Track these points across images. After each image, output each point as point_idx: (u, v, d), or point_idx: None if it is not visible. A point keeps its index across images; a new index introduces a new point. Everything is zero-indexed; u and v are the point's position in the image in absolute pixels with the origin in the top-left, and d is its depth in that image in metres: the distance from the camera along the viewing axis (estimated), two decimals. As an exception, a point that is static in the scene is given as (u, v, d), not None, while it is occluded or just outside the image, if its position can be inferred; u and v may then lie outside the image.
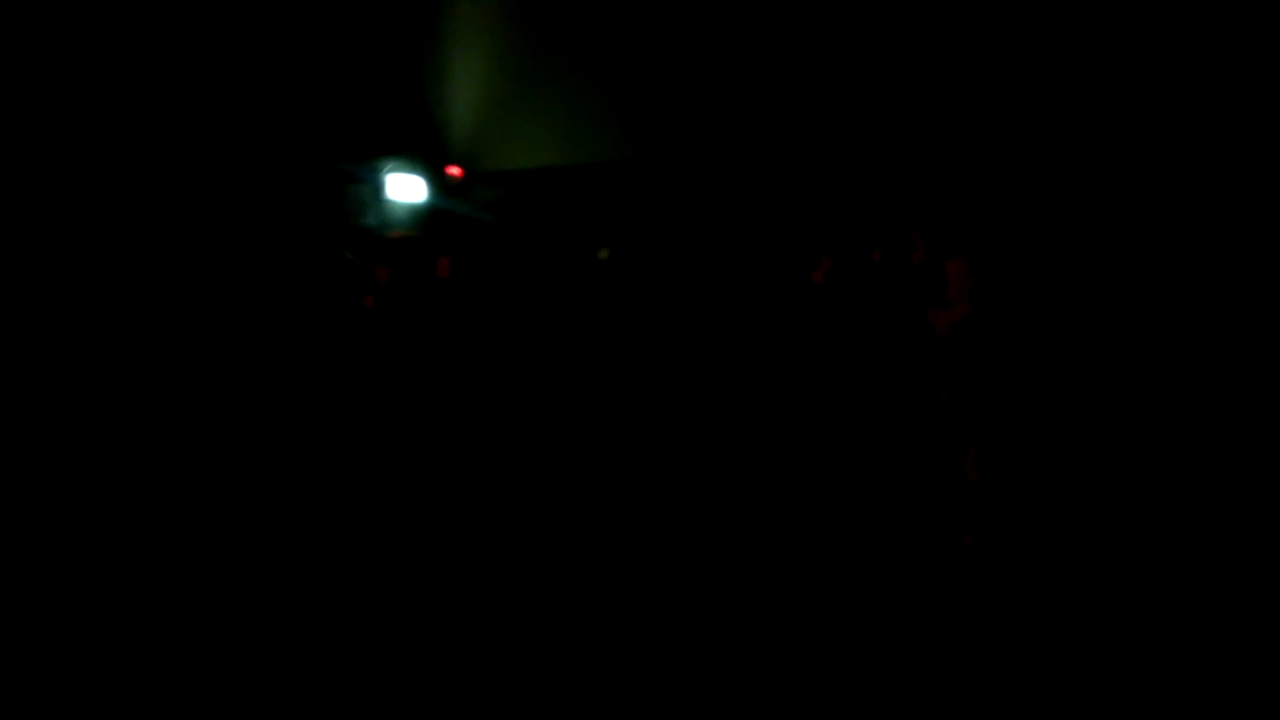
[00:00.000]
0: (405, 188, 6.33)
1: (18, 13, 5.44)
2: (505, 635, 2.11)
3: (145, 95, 5.92)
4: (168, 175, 5.84)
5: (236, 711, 1.84)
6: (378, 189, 6.28)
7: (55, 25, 5.98)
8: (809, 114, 5.38)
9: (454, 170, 6.42)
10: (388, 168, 6.30)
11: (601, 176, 6.41)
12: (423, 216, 6.43)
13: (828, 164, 4.84)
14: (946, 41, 4.88)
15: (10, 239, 4.48)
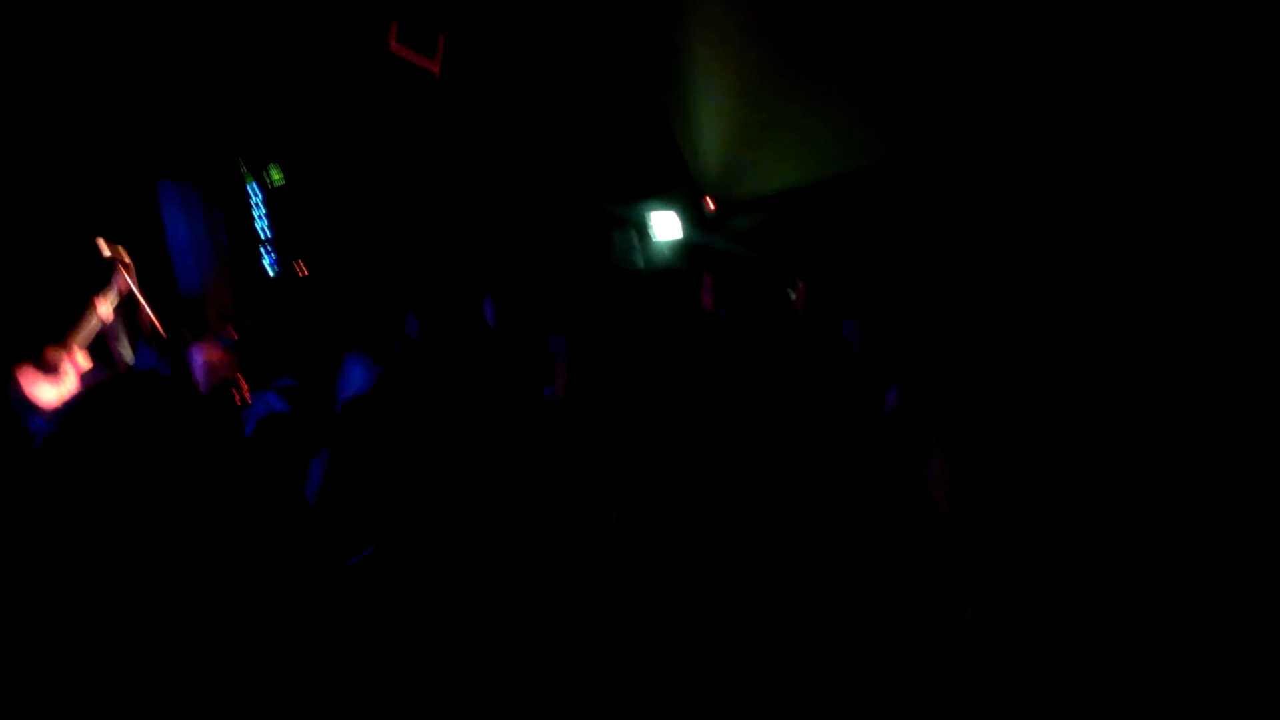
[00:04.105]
0: (665, 225, 6.58)
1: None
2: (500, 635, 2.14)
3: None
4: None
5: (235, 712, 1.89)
6: (641, 231, 6.56)
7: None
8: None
9: (708, 203, 6.63)
10: (647, 210, 6.57)
11: (851, 187, 6.42)
12: (683, 250, 6.66)
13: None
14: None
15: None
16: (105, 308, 4.19)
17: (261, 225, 7.28)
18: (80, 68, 5.64)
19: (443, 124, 6.56)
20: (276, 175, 7.11)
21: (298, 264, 7.10)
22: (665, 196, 6.58)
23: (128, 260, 4.37)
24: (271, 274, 7.25)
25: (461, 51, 6.29)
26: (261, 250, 7.28)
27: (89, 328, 4.21)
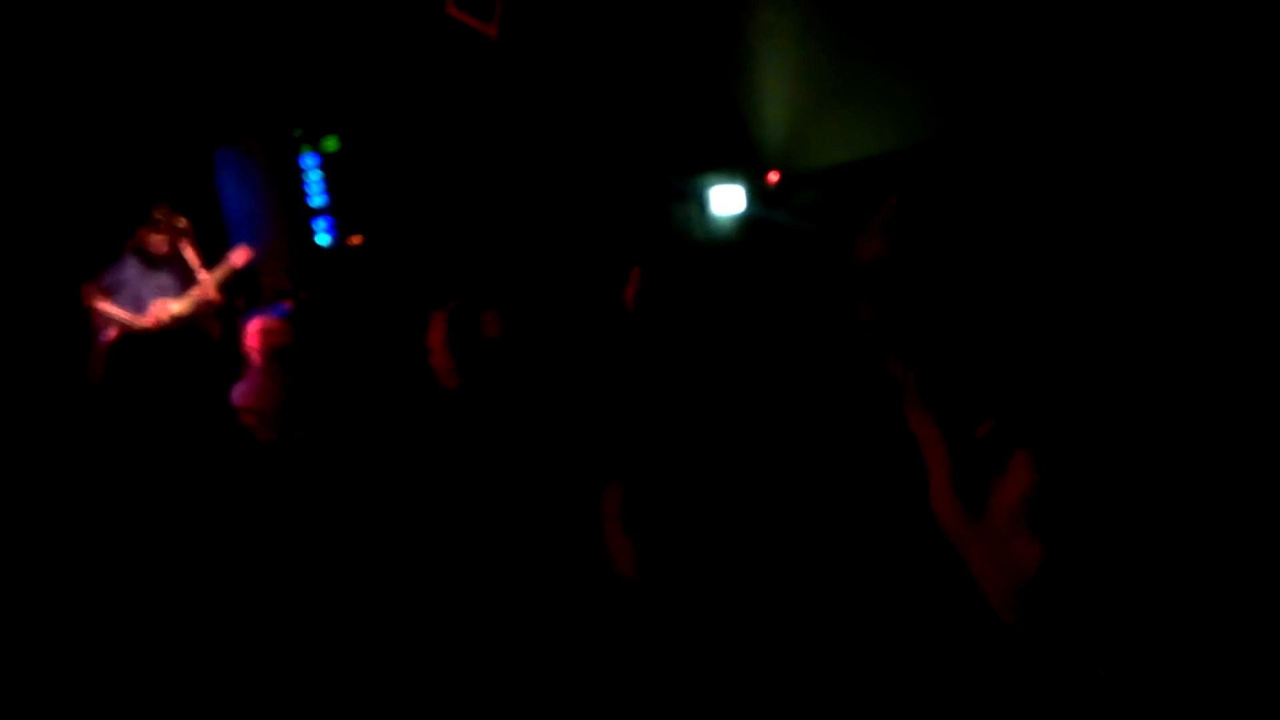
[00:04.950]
0: (726, 199, 6.40)
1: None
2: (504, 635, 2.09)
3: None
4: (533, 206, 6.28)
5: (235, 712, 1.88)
6: (702, 204, 6.39)
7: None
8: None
9: (772, 176, 6.43)
10: (709, 182, 6.39)
11: (914, 161, 6.18)
12: (744, 224, 6.48)
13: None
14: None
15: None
16: (213, 281, 4.13)
17: (318, 194, 7.22)
18: (137, 31, 5.60)
19: (500, 91, 6.44)
20: (332, 143, 7.03)
21: (354, 236, 7.04)
22: (727, 169, 6.40)
23: (185, 227, 4.31)
24: (327, 244, 7.20)
25: (520, 15, 6.15)
26: (317, 220, 7.23)
27: (198, 304, 4.16)
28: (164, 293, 4.12)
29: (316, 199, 7.20)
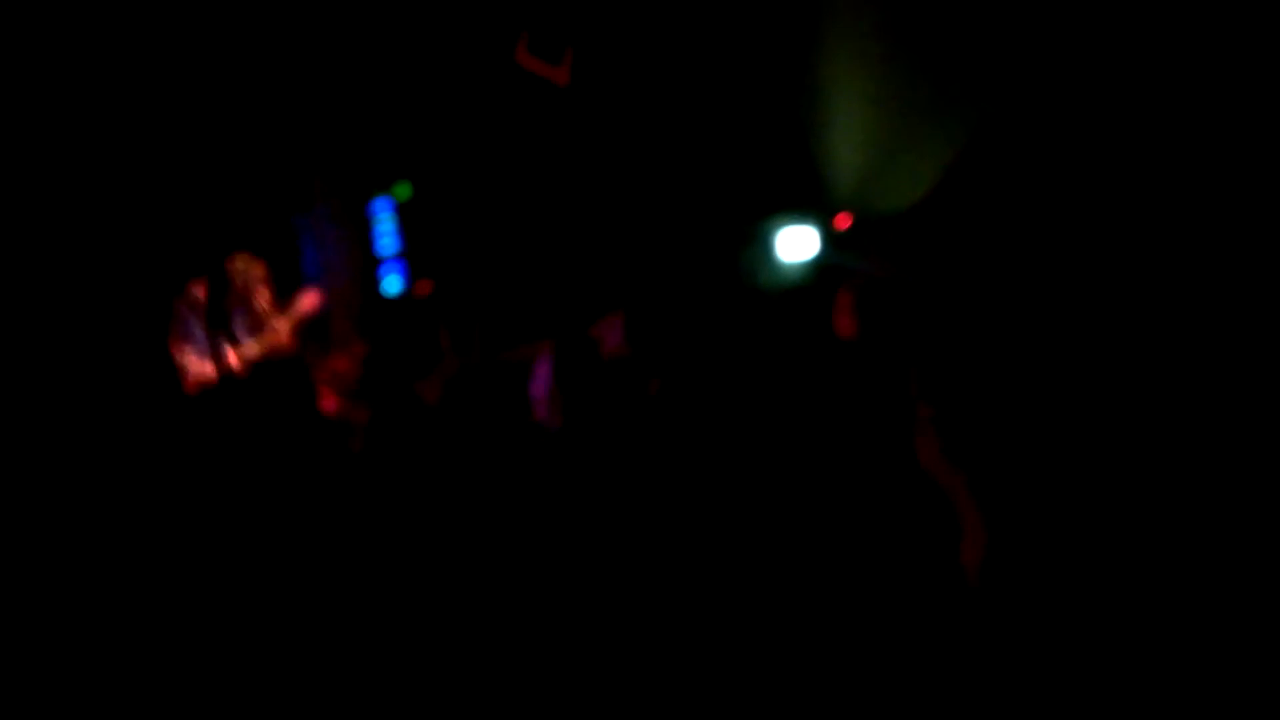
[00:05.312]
0: (795, 243, 6.31)
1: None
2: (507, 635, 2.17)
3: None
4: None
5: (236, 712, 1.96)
6: (769, 247, 6.32)
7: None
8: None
9: (843, 219, 6.34)
10: (778, 225, 6.32)
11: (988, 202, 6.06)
12: (814, 269, 6.38)
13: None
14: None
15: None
16: (287, 327, 4.15)
17: (390, 241, 7.30)
18: (219, 80, 5.77)
19: (570, 135, 6.48)
20: (404, 190, 7.14)
21: (424, 281, 7.10)
22: (798, 212, 6.32)
23: (262, 273, 4.38)
24: (398, 291, 7.27)
25: (591, 59, 6.19)
26: (389, 266, 7.31)
27: (271, 349, 4.19)
28: (237, 339, 4.16)
29: (389, 246, 7.28)
